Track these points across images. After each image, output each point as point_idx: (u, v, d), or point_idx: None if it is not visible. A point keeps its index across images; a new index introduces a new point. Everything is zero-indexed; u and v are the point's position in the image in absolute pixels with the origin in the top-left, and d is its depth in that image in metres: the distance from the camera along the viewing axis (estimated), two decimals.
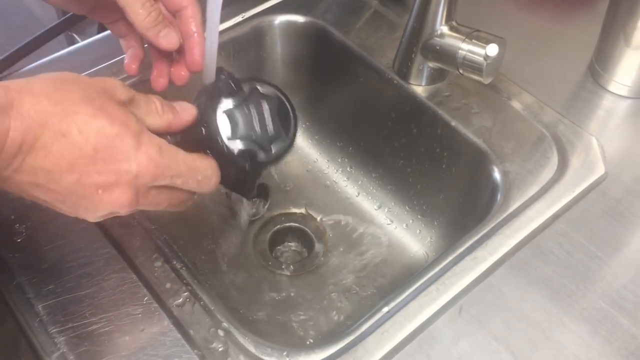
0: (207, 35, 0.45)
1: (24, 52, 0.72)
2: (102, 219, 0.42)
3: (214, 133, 0.44)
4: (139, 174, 0.39)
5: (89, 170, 0.38)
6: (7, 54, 0.69)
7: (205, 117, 0.45)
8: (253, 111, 0.46)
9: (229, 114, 0.45)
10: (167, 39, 0.48)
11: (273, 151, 0.47)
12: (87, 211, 0.40)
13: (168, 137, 0.44)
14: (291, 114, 0.49)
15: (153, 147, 0.39)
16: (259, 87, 0.47)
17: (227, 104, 0.45)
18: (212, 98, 0.45)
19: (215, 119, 0.44)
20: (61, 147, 0.37)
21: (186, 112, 0.45)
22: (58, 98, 0.37)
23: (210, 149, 0.45)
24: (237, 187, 0.49)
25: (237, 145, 0.45)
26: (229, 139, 0.45)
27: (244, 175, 0.46)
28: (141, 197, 0.40)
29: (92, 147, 0.37)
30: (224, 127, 0.45)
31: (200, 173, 0.43)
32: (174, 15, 0.50)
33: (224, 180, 0.46)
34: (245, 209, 0.69)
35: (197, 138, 0.45)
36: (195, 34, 0.49)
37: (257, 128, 0.46)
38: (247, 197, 0.53)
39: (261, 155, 0.46)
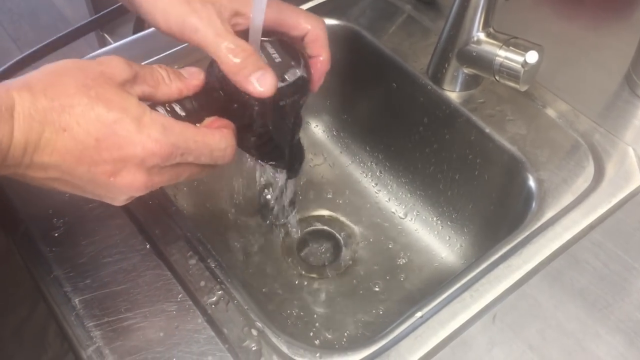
0: (254, 6, 0.43)
1: (52, 47, 0.73)
2: (127, 202, 0.42)
3: (224, 80, 0.43)
4: (146, 157, 0.38)
5: (95, 160, 0.38)
6: (36, 47, 0.70)
7: (215, 72, 0.44)
8: (259, 52, 0.45)
9: None
10: (261, 82, 0.42)
11: (289, 79, 0.44)
12: (108, 196, 0.41)
13: (187, 103, 0.43)
14: (297, 48, 0.47)
15: (156, 128, 0.39)
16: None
17: None
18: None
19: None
20: (64, 142, 0.37)
21: (194, 75, 0.44)
22: (54, 94, 0.37)
23: (227, 100, 0.44)
24: (266, 147, 0.47)
25: None
26: None
27: (270, 124, 0.44)
28: (155, 176, 0.40)
29: (93, 137, 0.37)
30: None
31: (212, 147, 0.42)
32: (301, 39, 0.49)
33: (248, 143, 0.45)
34: (274, 213, 0.69)
35: (213, 97, 0.44)
36: (320, 57, 0.49)
37: (265, 60, 0.44)
38: (282, 164, 0.49)
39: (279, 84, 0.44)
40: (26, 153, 0.37)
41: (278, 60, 0.45)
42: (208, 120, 0.44)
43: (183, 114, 0.43)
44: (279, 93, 0.44)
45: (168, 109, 0.42)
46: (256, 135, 0.45)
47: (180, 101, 0.43)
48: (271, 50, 0.46)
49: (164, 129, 0.39)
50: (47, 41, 0.73)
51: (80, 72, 0.39)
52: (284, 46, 0.46)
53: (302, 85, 0.45)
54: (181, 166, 0.41)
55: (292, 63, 0.45)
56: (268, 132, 0.45)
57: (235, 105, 0.44)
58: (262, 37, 0.44)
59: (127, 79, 0.40)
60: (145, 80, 0.41)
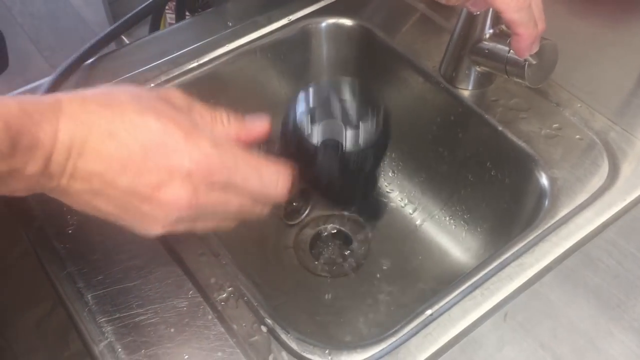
0: None
1: (82, 59, 0.73)
2: (168, 228, 0.39)
3: (294, 129, 0.42)
4: (192, 168, 0.37)
5: (140, 169, 0.37)
6: (67, 63, 0.69)
7: (286, 120, 0.43)
8: (334, 100, 0.43)
9: (309, 111, 0.43)
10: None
11: (361, 136, 0.43)
12: (149, 216, 0.39)
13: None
14: (377, 102, 0.45)
15: (205, 140, 0.37)
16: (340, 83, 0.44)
17: (306, 103, 0.43)
18: (292, 105, 0.44)
19: (295, 117, 0.42)
20: (110, 148, 0.36)
21: (257, 122, 0.42)
22: (106, 100, 0.37)
23: (296, 150, 0.42)
24: (332, 191, 0.46)
25: (319, 136, 0.42)
26: (310, 131, 0.42)
27: (339, 174, 0.43)
28: (201, 195, 0.38)
29: (140, 145, 0.36)
30: (303, 122, 0.42)
31: (262, 172, 0.40)
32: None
33: (313, 183, 0.44)
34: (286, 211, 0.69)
35: (281, 146, 0.43)
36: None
37: (339, 112, 0.42)
38: (347, 205, 0.50)
39: (349, 142, 0.42)
40: (70, 157, 0.36)
41: (352, 112, 0.43)
42: None
43: None
44: (352, 144, 0.43)
45: None
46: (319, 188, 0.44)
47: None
48: (349, 104, 0.43)
49: (213, 143, 0.38)
50: (79, 53, 0.72)
51: (137, 89, 0.39)
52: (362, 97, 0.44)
53: (373, 142, 0.44)
54: (229, 193, 0.39)
55: (368, 118, 0.44)
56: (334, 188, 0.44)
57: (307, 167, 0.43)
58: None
59: (182, 106, 0.39)
60: (202, 115, 0.40)
